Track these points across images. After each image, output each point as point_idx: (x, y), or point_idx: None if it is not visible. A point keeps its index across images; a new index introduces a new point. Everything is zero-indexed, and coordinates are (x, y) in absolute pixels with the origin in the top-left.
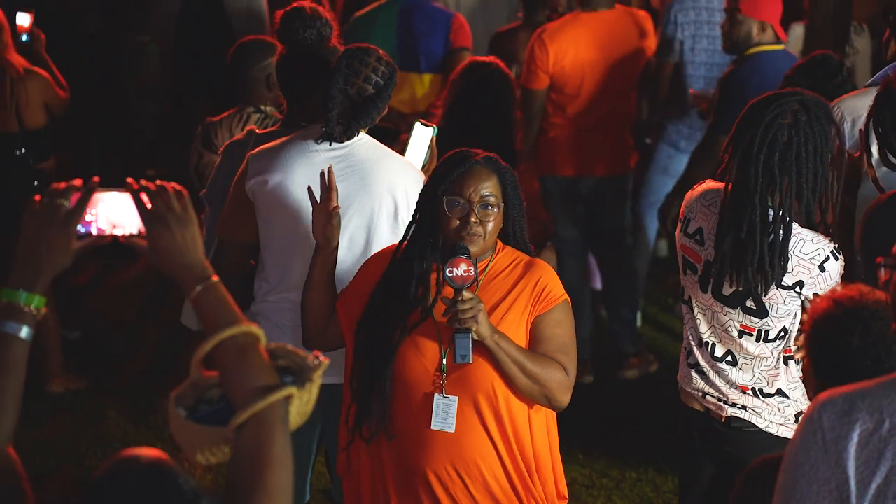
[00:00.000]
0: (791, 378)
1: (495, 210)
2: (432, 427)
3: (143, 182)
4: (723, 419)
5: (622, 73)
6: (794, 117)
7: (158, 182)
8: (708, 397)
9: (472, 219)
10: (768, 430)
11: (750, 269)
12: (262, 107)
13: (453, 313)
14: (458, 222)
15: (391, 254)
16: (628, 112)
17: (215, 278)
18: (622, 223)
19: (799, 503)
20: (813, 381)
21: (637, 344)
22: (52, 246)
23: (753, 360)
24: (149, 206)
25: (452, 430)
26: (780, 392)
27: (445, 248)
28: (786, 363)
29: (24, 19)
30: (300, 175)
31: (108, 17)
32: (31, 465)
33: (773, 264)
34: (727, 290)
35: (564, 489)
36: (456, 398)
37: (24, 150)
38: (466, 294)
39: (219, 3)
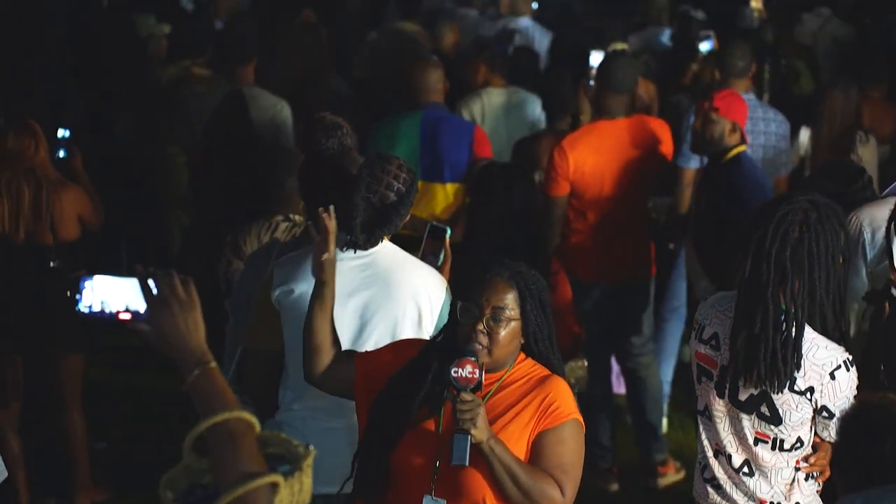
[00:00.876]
0: (807, 492)
1: (507, 324)
2: None
3: (150, 268)
4: None
5: (641, 179)
6: (804, 215)
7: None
8: None
9: (479, 327)
10: None
11: (763, 366)
12: (292, 215)
13: (452, 413)
14: (466, 329)
15: (421, 346)
16: (648, 218)
17: (213, 364)
18: (645, 329)
19: None
20: (842, 486)
21: (663, 452)
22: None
23: (770, 471)
24: (154, 290)
25: None
26: None
27: (457, 350)
28: (805, 478)
29: (62, 134)
30: None
31: (138, 129)
32: None
33: (785, 361)
34: (743, 395)
35: None
36: (444, 502)
37: (57, 262)
38: (466, 396)
39: (245, 114)
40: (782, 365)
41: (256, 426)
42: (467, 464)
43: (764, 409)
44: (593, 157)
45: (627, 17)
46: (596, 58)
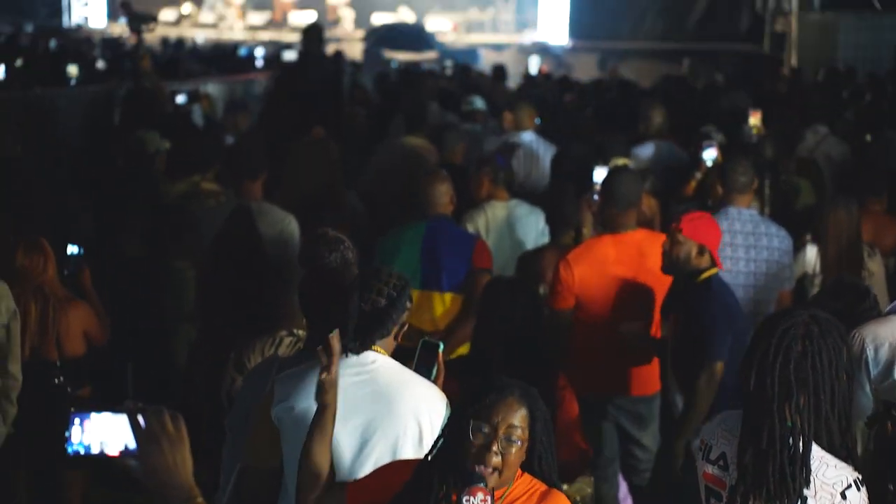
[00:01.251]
0: None
1: (519, 444)
2: None
3: (140, 404)
4: None
5: (646, 293)
6: (806, 329)
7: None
8: None
9: (494, 448)
10: None
11: (772, 482)
12: (296, 330)
13: None
14: (477, 449)
15: (414, 465)
16: (655, 332)
17: (201, 500)
18: (653, 444)
19: None
20: None
21: None
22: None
23: None
24: (143, 426)
25: None
26: None
27: (464, 472)
28: None
29: (72, 250)
30: None
31: (148, 244)
32: None
33: (794, 476)
34: None
35: None
36: None
37: (62, 379)
38: None
39: (253, 229)
40: (791, 480)
41: None
42: None
43: None
44: (598, 270)
45: (628, 133)
46: (599, 173)
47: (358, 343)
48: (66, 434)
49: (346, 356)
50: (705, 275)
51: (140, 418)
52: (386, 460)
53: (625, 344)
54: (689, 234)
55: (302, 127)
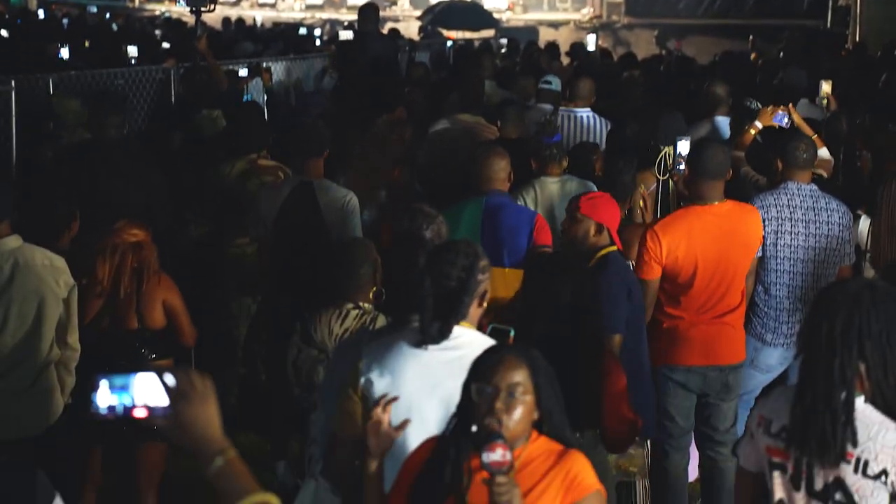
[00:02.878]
0: None
1: (523, 400)
2: None
3: (167, 364)
4: None
5: (734, 264)
6: (857, 296)
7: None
8: None
9: (498, 405)
10: None
11: (814, 441)
12: (361, 303)
13: (490, 498)
14: (485, 409)
15: (434, 442)
16: (741, 302)
17: (234, 453)
18: (731, 416)
19: None
20: None
21: None
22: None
23: None
24: (173, 384)
25: None
26: None
27: (478, 435)
28: None
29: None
30: (412, 376)
31: (209, 221)
32: None
33: (834, 435)
34: (818, 485)
35: None
36: None
37: (144, 350)
38: (501, 479)
39: (315, 204)
40: (832, 439)
41: None
42: None
43: (839, 497)
44: (686, 241)
45: (686, 110)
46: (683, 145)
47: (437, 330)
48: (92, 396)
49: (426, 349)
50: (603, 252)
51: (168, 377)
52: None
53: (714, 313)
54: (587, 213)
55: (361, 106)
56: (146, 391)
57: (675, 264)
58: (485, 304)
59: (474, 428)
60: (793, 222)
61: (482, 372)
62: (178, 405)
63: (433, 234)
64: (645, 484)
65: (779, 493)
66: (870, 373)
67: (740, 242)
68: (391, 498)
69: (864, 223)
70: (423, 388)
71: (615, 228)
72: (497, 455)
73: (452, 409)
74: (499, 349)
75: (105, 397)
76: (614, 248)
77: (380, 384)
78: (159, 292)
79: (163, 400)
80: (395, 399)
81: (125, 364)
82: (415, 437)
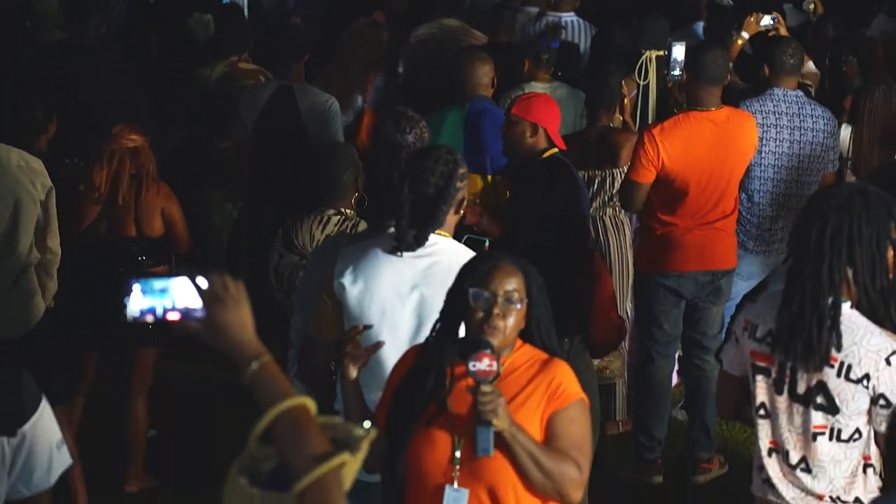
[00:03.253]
0: (869, 487)
1: (518, 306)
2: None
3: (198, 268)
4: None
5: (729, 171)
6: (848, 200)
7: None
8: None
9: (496, 311)
10: None
11: (800, 344)
12: (343, 209)
13: (474, 406)
14: (481, 314)
15: (416, 350)
16: (734, 209)
17: (269, 356)
18: (719, 323)
19: None
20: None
21: (712, 449)
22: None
23: (828, 465)
24: (206, 288)
25: None
26: (857, 501)
27: (467, 342)
28: (864, 471)
29: None
30: (386, 282)
31: (188, 125)
32: None
33: (820, 339)
34: (801, 388)
35: None
36: (467, 491)
37: (143, 257)
38: (486, 387)
39: (296, 109)
40: (817, 343)
41: (314, 409)
42: (491, 454)
43: (821, 400)
44: (683, 146)
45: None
46: (679, 50)
47: (413, 237)
48: (125, 300)
49: (401, 255)
50: (546, 154)
51: (201, 281)
52: None
53: (707, 219)
54: (520, 113)
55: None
56: (179, 295)
57: (672, 169)
58: (461, 212)
59: (462, 333)
60: (777, 129)
61: (478, 277)
62: (213, 309)
63: (415, 139)
64: (623, 386)
65: (761, 396)
66: (857, 278)
67: (736, 149)
68: (378, 411)
69: (846, 131)
70: (395, 294)
71: (554, 129)
72: (483, 364)
73: (425, 316)
74: (494, 255)
75: (138, 301)
76: (555, 149)
77: (353, 290)
78: (158, 200)
79: (196, 304)
80: (368, 327)
81: (123, 272)
82: (387, 344)
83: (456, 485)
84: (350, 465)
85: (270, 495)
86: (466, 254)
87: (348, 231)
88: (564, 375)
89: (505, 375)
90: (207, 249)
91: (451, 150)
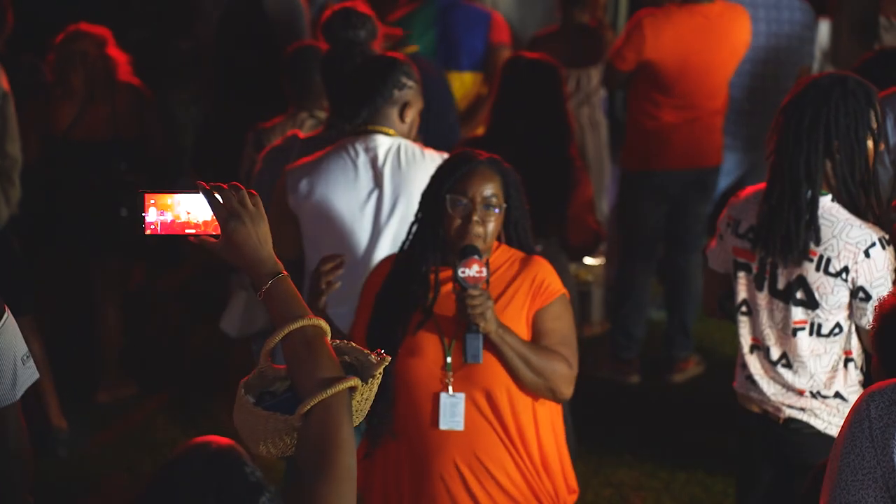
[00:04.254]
0: (850, 381)
1: (497, 211)
2: (441, 427)
3: (216, 183)
4: (781, 421)
5: (719, 67)
6: (827, 90)
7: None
8: (765, 401)
9: (475, 217)
10: (827, 431)
11: (778, 238)
12: (316, 112)
13: (462, 310)
14: (460, 221)
15: (392, 260)
16: (723, 106)
17: (285, 273)
18: (702, 223)
19: (843, 491)
20: (876, 371)
21: (689, 349)
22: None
23: (808, 361)
24: (223, 203)
25: (461, 427)
26: (838, 395)
27: (447, 248)
28: (844, 366)
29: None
30: (342, 188)
31: (151, 24)
32: (82, 474)
33: (798, 233)
34: (781, 284)
35: (574, 482)
36: (463, 395)
37: (122, 164)
38: (475, 292)
39: (260, 7)
40: (795, 237)
41: (328, 332)
42: (481, 361)
43: (800, 295)
44: (672, 40)
45: None
46: None
47: (349, 114)
48: (142, 214)
49: (367, 153)
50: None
51: (218, 196)
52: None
53: (695, 114)
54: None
55: None
56: (195, 209)
57: (659, 61)
58: (408, 120)
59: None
60: (755, 21)
61: (455, 183)
62: (230, 224)
63: (368, 35)
64: (600, 290)
65: (742, 293)
66: (836, 169)
67: (728, 45)
68: (355, 328)
69: (825, 26)
70: (353, 201)
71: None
72: (473, 270)
73: (382, 219)
74: (470, 159)
75: (154, 215)
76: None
77: (307, 204)
78: (134, 102)
79: (211, 218)
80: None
81: (100, 176)
82: (348, 253)
83: (451, 391)
84: (361, 393)
85: (275, 417)
86: (422, 151)
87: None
88: (546, 272)
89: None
90: (174, 154)
91: (402, 60)
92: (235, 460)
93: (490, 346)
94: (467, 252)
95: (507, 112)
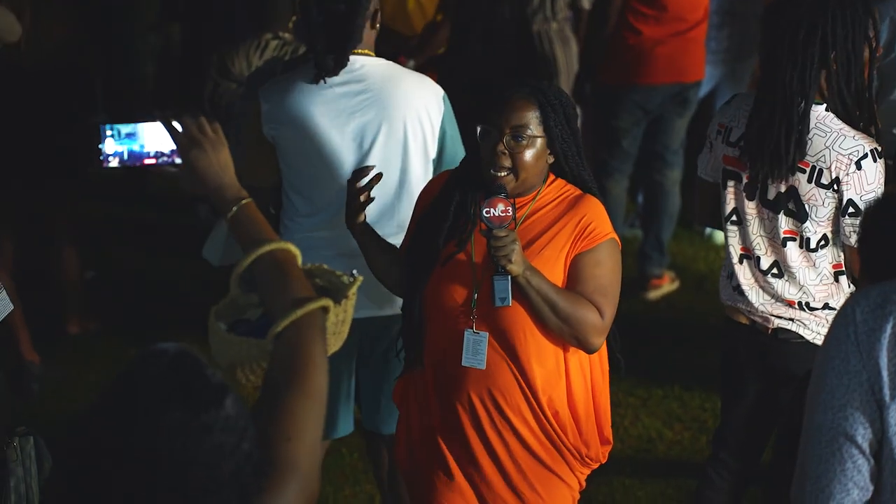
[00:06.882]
0: (839, 294)
1: (531, 142)
2: (463, 364)
3: (173, 111)
4: (769, 331)
5: None
6: (821, 0)
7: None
8: (753, 312)
9: (500, 148)
10: (815, 341)
11: (768, 152)
12: (282, 34)
13: (490, 251)
14: (487, 154)
15: (445, 178)
16: (705, 16)
17: (249, 199)
18: (681, 139)
19: (829, 396)
20: (862, 278)
21: (664, 266)
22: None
23: (798, 271)
24: (182, 131)
25: (483, 366)
26: (827, 307)
27: (485, 183)
28: (836, 279)
29: None
30: (319, 115)
31: None
32: (50, 407)
33: (787, 149)
34: (771, 194)
35: (609, 433)
36: (486, 335)
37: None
38: (500, 232)
39: None
40: (784, 153)
41: (299, 256)
42: (510, 304)
43: (791, 206)
44: None
45: None
46: None
47: (332, 61)
48: (100, 146)
49: (324, 82)
50: None
51: (176, 124)
52: (394, 168)
53: (680, 27)
54: None
55: None
56: (155, 139)
57: None
58: (377, 26)
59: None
60: None
61: (485, 112)
62: (191, 153)
63: None
64: None
65: (732, 203)
66: (831, 80)
67: None
68: (404, 243)
69: None
70: (332, 126)
71: None
72: (498, 210)
73: (367, 143)
74: (506, 87)
75: (112, 146)
76: None
77: (286, 129)
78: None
79: (171, 148)
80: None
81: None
82: (330, 178)
83: (475, 328)
84: (336, 314)
85: (248, 342)
86: (395, 69)
87: (287, 57)
88: (595, 214)
89: (532, 212)
90: (134, 83)
91: None
92: (196, 363)
93: (517, 288)
94: (494, 191)
95: (466, 33)
